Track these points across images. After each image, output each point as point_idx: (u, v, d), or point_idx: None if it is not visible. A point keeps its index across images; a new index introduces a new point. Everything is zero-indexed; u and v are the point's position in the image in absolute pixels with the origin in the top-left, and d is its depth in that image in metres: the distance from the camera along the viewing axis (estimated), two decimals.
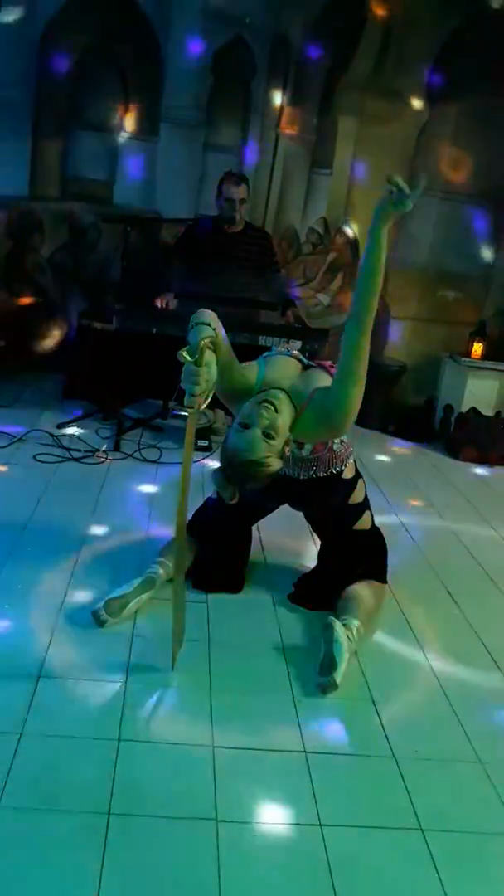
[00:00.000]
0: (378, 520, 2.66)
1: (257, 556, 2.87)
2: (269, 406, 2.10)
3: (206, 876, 1.53)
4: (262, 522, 2.83)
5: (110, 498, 3.27)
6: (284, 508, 2.68)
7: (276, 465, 2.13)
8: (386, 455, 4.40)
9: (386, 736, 2.00)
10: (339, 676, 2.13)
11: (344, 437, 2.42)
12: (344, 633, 2.24)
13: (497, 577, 3.03)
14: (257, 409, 2.10)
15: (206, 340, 1.98)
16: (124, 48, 4.69)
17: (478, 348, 4.74)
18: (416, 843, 1.67)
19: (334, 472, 2.42)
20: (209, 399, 2.02)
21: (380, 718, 2.07)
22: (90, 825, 1.60)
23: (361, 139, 4.84)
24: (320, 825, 1.69)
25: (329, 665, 2.15)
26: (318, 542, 2.78)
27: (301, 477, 2.40)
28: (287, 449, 2.16)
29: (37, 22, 4.47)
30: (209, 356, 1.98)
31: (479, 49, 4.51)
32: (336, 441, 2.38)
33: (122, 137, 4.87)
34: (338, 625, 2.26)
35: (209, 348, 1.99)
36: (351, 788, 1.82)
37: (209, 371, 1.97)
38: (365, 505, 2.58)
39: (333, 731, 2.02)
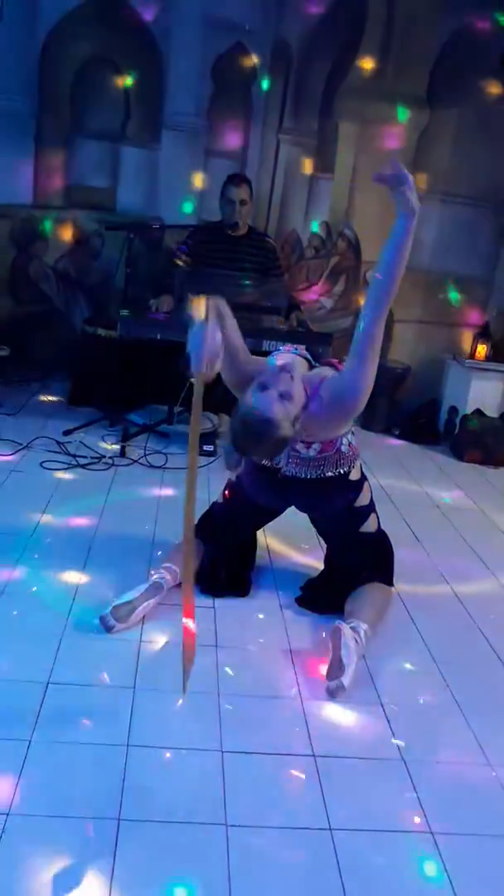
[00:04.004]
0: (383, 523, 2.66)
1: (264, 561, 2.87)
2: (288, 374, 2.18)
3: (216, 881, 1.53)
4: (268, 526, 2.84)
5: (117, 504, 3.28)
6: (290, 513, 2.69)
7: (287, 431, 2.15)
8: (391, 457, 4.40)
9: (395, 739, 2.00)
10: (347, 680, 2.13)
11: (352, 440, 2.44)
12: (352, 636, 2.24)
13: None
14: (278, 374, 2.18)
15: (212, 302, 2.09)
16: (125, 56, 4.71)
17: (482, 350, 4.75)
18: (426, 847, 1.67)
19: (341, 472, 2.42)
20: (215, 369, 2.06)
21: (388, 721, 2.07)
22: (100, 831, 1.60)
23: (362, 143, 4.85)
24: (330, 829, 1.69)
25: (337, 668, 2.16)
26: (325, 546, 2.78)
27: (309, 477, 2.40)
28: (297, 424, 2.18)
29: (39, 31, 4.51)
30: (213, 320, 2.08)
31: (478, 53, 4.52)
32: (343, 443, 2.39)
33: (125, 144, 4.89)
34: (345, 628, 2.26)
35: (215, 313, 2.09)
36: (360, 792, 1.82)
37: (214, 334, 2.05)
38: (371, 507, 2.58)
39: (342, 734, 2.02)
